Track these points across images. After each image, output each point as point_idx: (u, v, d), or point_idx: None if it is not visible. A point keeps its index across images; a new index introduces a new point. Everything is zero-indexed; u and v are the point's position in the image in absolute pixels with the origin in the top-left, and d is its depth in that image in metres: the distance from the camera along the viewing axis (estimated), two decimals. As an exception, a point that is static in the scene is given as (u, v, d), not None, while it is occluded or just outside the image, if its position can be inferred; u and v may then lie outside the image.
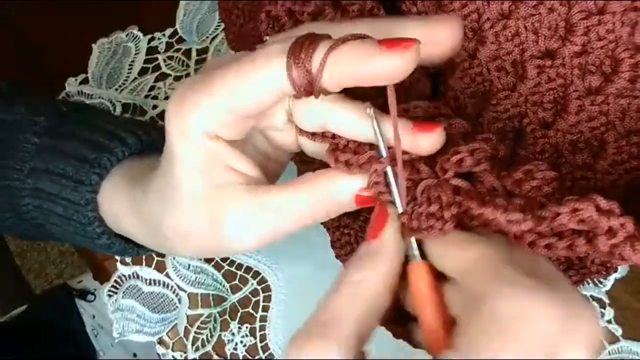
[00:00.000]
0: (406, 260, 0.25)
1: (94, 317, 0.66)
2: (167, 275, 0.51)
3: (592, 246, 0.20)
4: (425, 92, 0.35)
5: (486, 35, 0.30)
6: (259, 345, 0.49)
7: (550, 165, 0.24)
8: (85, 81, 0.58)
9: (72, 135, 0.36)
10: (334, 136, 0.27)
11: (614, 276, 0.48)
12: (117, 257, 0.51)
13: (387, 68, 0.23)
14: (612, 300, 0.48)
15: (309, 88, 0.24)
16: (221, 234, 0.27)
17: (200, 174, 0.26)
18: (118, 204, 0.33)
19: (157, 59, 0.59)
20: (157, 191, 0.29)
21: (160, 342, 0.50)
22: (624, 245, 0.20)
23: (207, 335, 0.50)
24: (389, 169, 0.25)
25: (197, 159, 0.26)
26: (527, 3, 0.28)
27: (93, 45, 0.59)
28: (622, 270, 0.48)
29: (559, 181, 0.22)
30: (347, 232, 0.35)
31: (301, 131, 0.28)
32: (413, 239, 0.25)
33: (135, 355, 0.62)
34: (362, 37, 0.24)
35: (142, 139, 0.36)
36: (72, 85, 0.57)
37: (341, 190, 0.27)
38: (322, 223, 0.38)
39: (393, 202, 0.26)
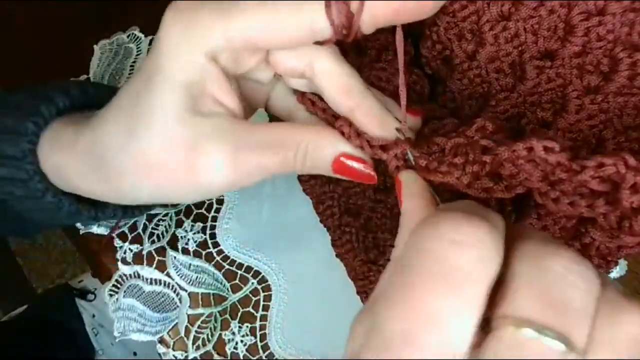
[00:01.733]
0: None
1: (94, 316, 0.66)
2: (167, 274, 0.51)
3: (611, 207, 0.21)
4: (424, 94, 0.35)
5: (486, 37, 0.30)
6: (259, 344, 0.50)
7: None
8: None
9: (14, 93, 0.34)
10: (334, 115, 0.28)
11: (612, 276, 0.48)
12: (119, 257, 0.51)
13: (420, 5, 0.24)
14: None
15: (347, 27, 0.24)
16: (197, 165, 0.25)
17: (185, 96, 0.25)
18: (60, 152, 0.31)
19: (158, 59, 0.59)
20: (119, 117, 0.27)
21: (161, 341, 0.50)
22: None
23: (207, 335, 0.50)
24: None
25: (187, 78, 0.25)
26: (528, 5, 0.28)
27: (95, 46, 0.59)
28: (620, 270, 0.48)
29: (576, 150, 0.22)
30: (348, 230, 0.36)
31: (302, 97, 0.29)
32: None
33: (135, 354, 0.63)
34: None
35: (87, 91, 0.34)
36: (73, 85, 0.58)
37: (327, 146, 0.27)
38: (322, 222, 0.38)
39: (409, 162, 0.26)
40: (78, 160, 0.29)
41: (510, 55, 0.30)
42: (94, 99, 0.34)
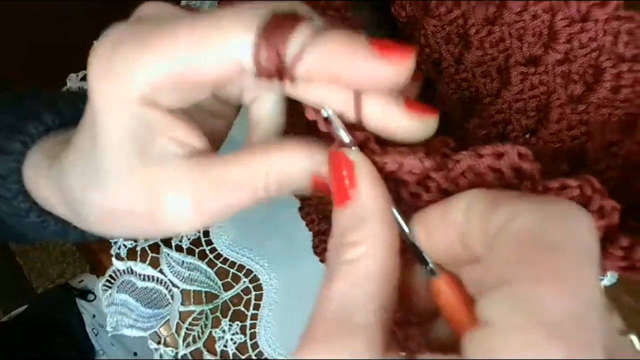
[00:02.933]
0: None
1: (94, 316, 0.66)
2: (160, 271, 0.51)
3: None
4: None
5: (472, 40, 0.30)
6: (249, 343, 0.50)
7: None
8: (86, 77, 0.58)
9: (4, 109, 0.32)
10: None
11: (603, 283, 0.48)
12: (113, 253, 0.51)
13: (374, 75, 0.20)
14: (612, 301, 0.47)
15: (277, 74, 0.21)
16: (161, 215, 0.23)
17: (131, 147, 0.22)
18: (40, 179, 0.29)
19: (157, 56, 0.59)
20: (78, 169, 0.25)
21: (153, 337, 0.50)
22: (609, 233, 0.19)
23: (198, 332, 0.50)
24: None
25: (127, 128, 0.22)
26: (512, 9, 0.27)
27: (95, 42, 0.59)
28: (612, 278, 0.47)
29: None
30: (324, 239, 0.35)
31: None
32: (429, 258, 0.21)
33: (135, 354, 0.63)
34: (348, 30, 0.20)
35: (78, 107, 0.30)
36: (73, 81, 0.58)
37: (298, 167, 0.23)
38: (307, 227, 0.38)
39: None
40: (55, 195, 0.28)
41: (497, 59, 0.29)
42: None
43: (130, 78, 0.21)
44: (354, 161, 0.21)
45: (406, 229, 0.21)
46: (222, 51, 0.20)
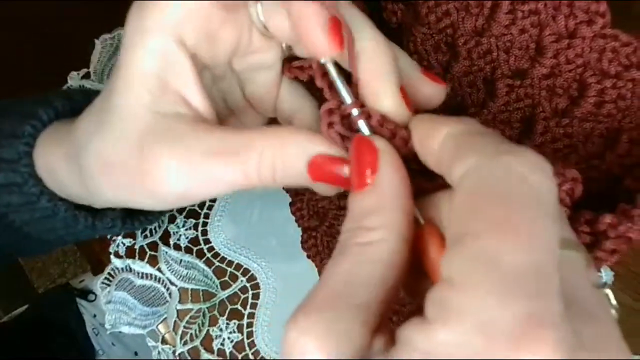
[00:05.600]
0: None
1: (95, 316, 0.67)
2: (159, 269, 0.52)
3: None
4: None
5: (460, 50, 0.30)
6: (246, 341, 0.50)
7: None
8: (87, 76, 0.59)
9: (16, 101, 0.33)
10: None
11: (611, 274, 0.47)
12: (111, 250, 0.52)
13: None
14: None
15: None
16: (148, 169, 0.24)
17: (145, 91, 0.23)
18: (52, 153, 0.30)
19: (158, 54, 0.59)
20: (91, 115, 0.26)
21: (152, 335, 0.51)
22: None
23: (195, 330, 0.51)
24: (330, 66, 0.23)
25: (148, 67, 0.23)
26: (500, 22, 0.27)
27: (96, 40, 0.59)
28: (606, 277, 0.47)
29: None
30: (314, 234, 0.36)
31: (290, 68, 0.26)
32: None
33: (136, 354, 0.63)
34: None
35: (90, 96, 0.31)
36: (74, 79, 0.58)
37: (295, 150, 0.23)
38: (296, 222, 0.38)
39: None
40: (63, 160, 0.29)
41: (483, 70, 0.29)
42: None
43: (163, 6, 0.22)
44: (379, 149, 0.21)
45: None
46: None
